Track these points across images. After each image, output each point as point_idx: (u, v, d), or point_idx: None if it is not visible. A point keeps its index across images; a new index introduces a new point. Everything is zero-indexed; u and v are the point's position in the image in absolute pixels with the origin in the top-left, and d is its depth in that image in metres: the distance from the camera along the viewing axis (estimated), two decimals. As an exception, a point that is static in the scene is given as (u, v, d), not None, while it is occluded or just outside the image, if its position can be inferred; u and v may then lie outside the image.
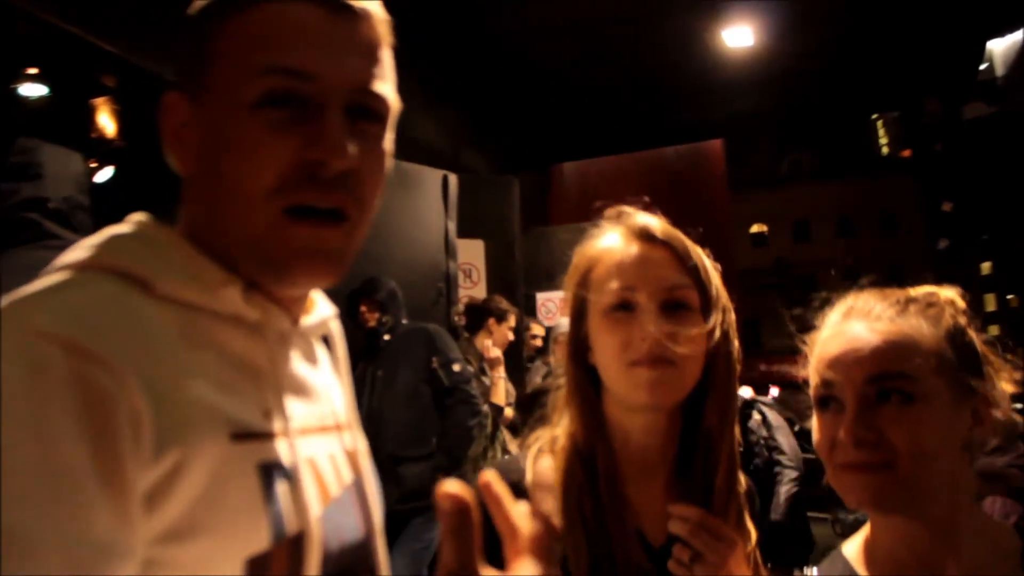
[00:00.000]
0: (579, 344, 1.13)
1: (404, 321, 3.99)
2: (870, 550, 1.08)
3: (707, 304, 1.08)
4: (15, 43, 4.71)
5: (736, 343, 1.12)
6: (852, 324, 1.04)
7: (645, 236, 1.11)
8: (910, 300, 1.05)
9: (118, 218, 0.79)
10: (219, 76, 0.75)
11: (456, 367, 3.89)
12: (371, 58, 0.78)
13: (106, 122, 6.04)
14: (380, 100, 0.78)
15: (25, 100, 5.37)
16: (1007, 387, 1.05)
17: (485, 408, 4.14)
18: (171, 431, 0.62)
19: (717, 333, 1.07)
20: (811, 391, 1.06)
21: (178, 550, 0.62)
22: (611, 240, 1.14)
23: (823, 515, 8.95)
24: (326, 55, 0.74)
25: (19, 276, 0.69)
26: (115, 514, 0.58)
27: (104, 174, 5.95)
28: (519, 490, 1.11)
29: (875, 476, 0.96)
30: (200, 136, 0.76)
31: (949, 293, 1.09)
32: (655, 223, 1.12)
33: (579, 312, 1.14)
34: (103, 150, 5.93)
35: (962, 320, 1.05)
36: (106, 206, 2.09)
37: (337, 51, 0.75)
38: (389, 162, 0.82)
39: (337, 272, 0.77)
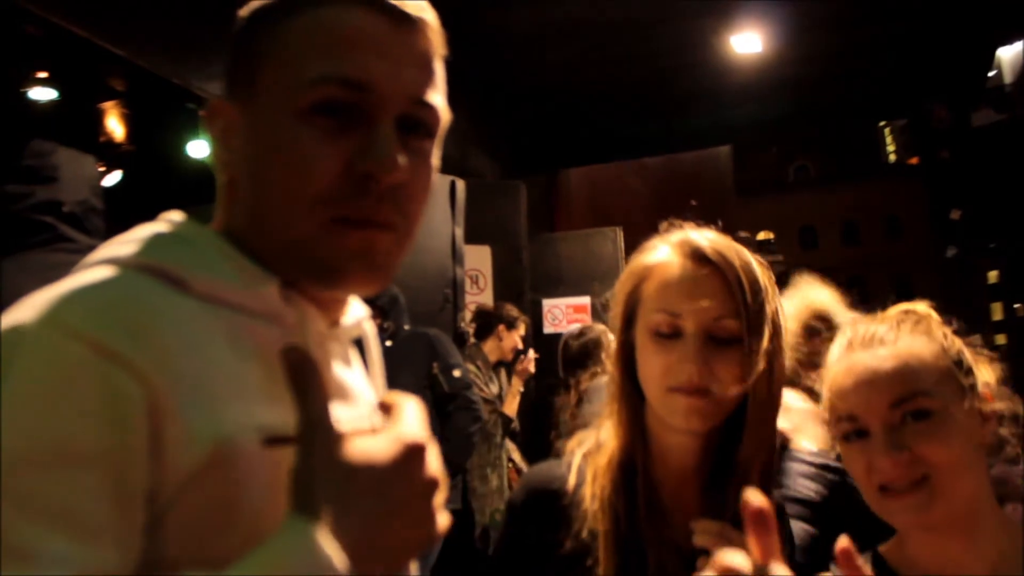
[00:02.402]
0: (627, 350, 1.15)
1: (406, 327, 3.99)
2: (901, 551, 1.11)
3: (748, 332, 1.08)
4: (24, 46, 4.73)
5: (781, 366, 1.12)
6: (857, 355, 1.08)
7: (697, 256, 1.11)
8: (900, 321, 1.10)
9: (127, 222, 0.78)
10: (271, 81, 0.74)
11: (457, 373, 3.89)
12: (426, 70, 0.77)
13: (115, 126, 6.06)
14: (432, 113, 0.77)
15: (34, 104, 5.39)
16: (989, 376, 1.13)
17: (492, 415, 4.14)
18: (200, 435, 0.62)
19: (761, 365, 1.08)
20: (832, 427, 1.10)
21: (208, 551, 0.62)
22: (663, 254, 1.14)
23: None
24: (383, 66, 0.73)
25: (33, 278, 0.69)
26: (117, 523, 0.58)
27: (113, 178, 5.97)
28: (560, 493, 1.14)
29: (916, 495, 1.01)
30: (247, 141, 0.75)
31: (923, 307, 1.14)
32: (707, 243, 1.12)
33: (628, 320, 1.15)
34: (112, 154, 5.95)
35: (944, 327, 1.11)
36: (115, 210, 2.10)
37: (394, 62, 0.74)
38: (435, 177, 0.81)
39: (386, 278, 0.77)
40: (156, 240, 0.73)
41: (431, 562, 3.80)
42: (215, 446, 0.63)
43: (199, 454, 0.62)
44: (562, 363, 4.14)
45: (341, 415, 0.78)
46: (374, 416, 0.88)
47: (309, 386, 0.60)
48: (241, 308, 0.72)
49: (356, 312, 0.88)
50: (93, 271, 0.69)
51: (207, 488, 0.62)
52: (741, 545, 1.03)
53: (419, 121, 0.77)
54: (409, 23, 0.75)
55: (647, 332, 1.11)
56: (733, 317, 1.08)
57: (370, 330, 0.92)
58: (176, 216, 0.77)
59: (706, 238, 1.13)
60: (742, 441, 1.09)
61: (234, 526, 0.63)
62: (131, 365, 0.60)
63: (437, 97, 0.78)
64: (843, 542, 0.85)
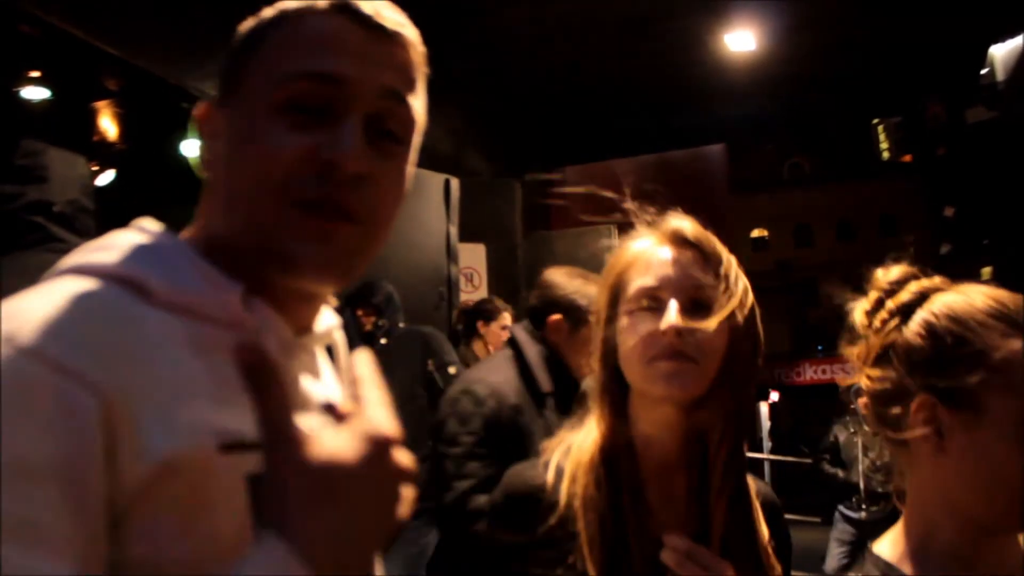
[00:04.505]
0: (609, 344, 1.15)
1: (401, 325, 4.00)
2: (916, 547, 1.05)
3: (734, 304, 1.10)
4: (18, 45, 4.71)
5: (757, 343, 1.13)
6: None
7: (677, 239, 1.14)
8: None
9: (120, 221, 0.79)
10: (251, 84, 0.77)
11: (452, 369, 3.89)
12: (399, 75, 0.79)
13: (108, 125, 6.04)
14: (405, 112, 0.79)
15: (27, 103, 5.37)
16: None
17: None
18: (156, 443, 0.63)
19: (739, 333, 1.09)
20: None
21: (167, 560, 0.63)
22: (644, 243, 1.17)
23: (814, 519, 8.92)
24: (354, 64, 0.76)
25: (23, 279, 0.69)
26: (77, 533, 0.58)
27: (106, 177, 5.95)
28: (539, 492, 1.14)
29: None
30: (227, 140, 0.78)
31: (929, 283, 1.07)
32: (687, 226, 1.15)
33: (611, 313, 1.16)
34: (105, 153, 5.93)
35: None
36: (108, 209, 2.09)
37: (365, 62, 0.76)
38: (409, 184, 0.82)
39: (345, 269, 0.77)
40: (123, 248, 0.74)
41: (427, 556, 3.80)
42: (171, 453, 0.63)
43: (154, 462, 0.62)
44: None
45: (300, 422, 0.79)
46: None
47: (267, 386, 0.59)
48: (203, 316, 0.73)
49: (327, 321, 0.89)
50: (58, 281, 0.69)
51: (164, 494, 0.63)
52: (707, 564, 1.03)
53: (391, 120, 0.78)
54: (385, 33, 0.78)
55: (628, 313, 1.13)
56: (710, 288, 1.10)
57: (340, 339, 0.92)
58: (148, 223, 0.78)
59: (684, 222, 1.16)
60: (707, 407, 1.09)
61: (193, 531, 0.64)
62: (85, 379, 0.61)
63: (413, 100, 0.80)
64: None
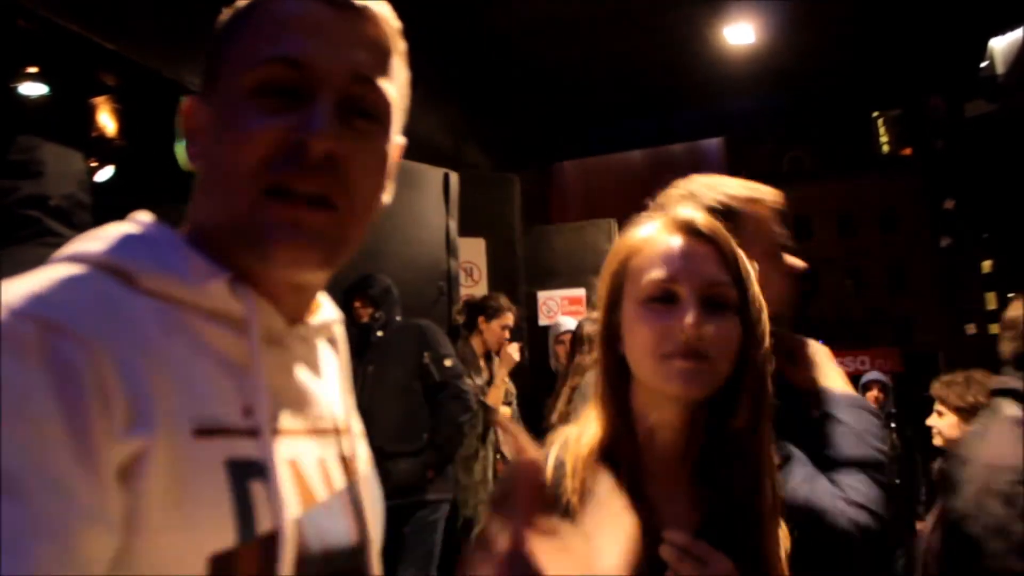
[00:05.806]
0: (611, 332, 1.13)
1: (398, 318, 4.01)
2: None
3: (745, 303, 1.08)
4: (15, 41, 4.70)
5: (768, 343, 1.11)
6: None
7: (689, 229, 1.11)
8: None
9: (119, 216, 0.80)
10: (226, 73, 0.78)
11: (448, 362, 3.90)
12: (372, 54, 0.79)
13: (107, 121, 6.03)
14: (377, 96, 0.79)
15: (25, 99, 5.36)
16: None
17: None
18: (135, 418, 0.63)
19: (756, 333, 1.08)
20: None
21: (139, 541, 0.62)
22: (653, 230, 1.14)
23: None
24: (323, 45, 0.76)
25: (19, 273, 0.69)
26: (92, 485, 0.59)
27: (105, 173, 5.94)
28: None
29: None
30: (206, 131, 0.78)
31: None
32: (700, 218, 1.12)
33: (614, 300, 1.14)
34: (104, 149, 5.92)
35: None
36: (107, 204, 2.09)
37: (335, 43, 0.76)
38: (391, 165, 0.82)
39: (321, 256, 0.76)
40: (115, 238, 0.75)
41: (436, 556, 3.80)
42: (150, 433, 0.63)
43: (133, 440, 0.62)
44: (573, 345, 4.16)
45: (289, 413, 0.78)
46: (335, 418, 0.87)
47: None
48: (189, 304, 0.73)
49: (326, 314, 0.88)
50: (54, 268, 0.70)
51: (142, 475, 0.62)
52: (706, 560, 1.01)
53: (364, 101, 0.78)
54: (352, 10, 0.78)
55: (638, 303, 1.10)
56: (726, 284, 1.08)
57: (339, 333, 0.92)
58: (143, 216, 0.79)
59: (696, 213, 1.14)
60: (736, 413, 1.07)
61: (169, 514, 0.63)
62: (80, 339, 0.61)
63: (386, 84, 0.80)
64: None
